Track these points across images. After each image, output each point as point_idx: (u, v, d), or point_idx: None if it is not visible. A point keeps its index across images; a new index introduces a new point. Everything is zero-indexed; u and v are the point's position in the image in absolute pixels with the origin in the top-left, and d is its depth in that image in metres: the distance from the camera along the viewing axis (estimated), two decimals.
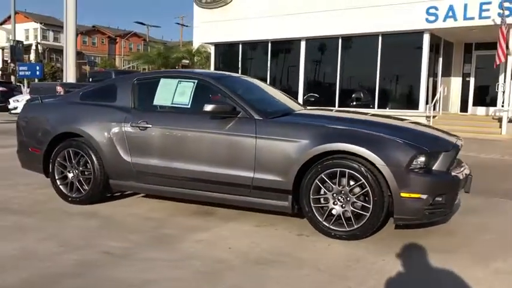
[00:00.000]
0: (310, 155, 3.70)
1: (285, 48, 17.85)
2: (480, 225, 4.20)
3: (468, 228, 4.11)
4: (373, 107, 15.45)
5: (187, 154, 4.18)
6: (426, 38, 14.43)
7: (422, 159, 3.55)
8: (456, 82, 16.97)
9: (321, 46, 16.65)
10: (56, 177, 4.77)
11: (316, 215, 3.75)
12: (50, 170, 4.80)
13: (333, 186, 3.68)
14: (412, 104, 15.00)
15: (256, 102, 4.27)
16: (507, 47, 12.90)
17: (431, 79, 15.45)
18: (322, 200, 3.76)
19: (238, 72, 18.55)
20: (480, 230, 4.06)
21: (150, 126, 4.31)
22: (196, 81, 4.40)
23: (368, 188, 3.55)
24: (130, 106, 4.53)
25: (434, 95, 15.59)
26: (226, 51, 19.42)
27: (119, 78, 5.08)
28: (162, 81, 4.53)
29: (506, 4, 12.43)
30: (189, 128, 4.20)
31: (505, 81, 14.06)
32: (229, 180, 4.02)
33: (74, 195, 4.69)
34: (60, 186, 4.76)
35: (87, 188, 4.63)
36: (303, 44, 16.88)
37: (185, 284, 2.89)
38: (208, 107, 4.00)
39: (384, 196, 3.54)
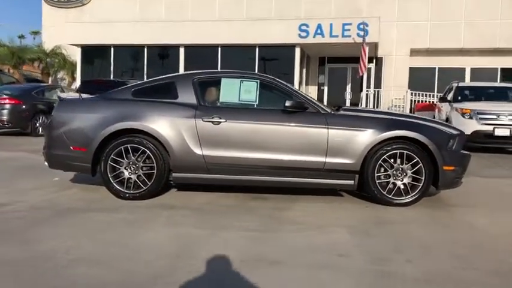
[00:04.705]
0: (378, 140, 4.64)
1: (163, 53, 18.04)
2: None
3: None
4: None
5: (263, 145, 4.69)
6: (297, 51, 16.43)
7: (451, 140, 4.82)
8: (313, 90, 19.55)
9: (201, 53, 17.31)
10: (109, 175, 4.71)
11: (380, 189, 4.72)
12: (102, 169, 4.71)
13: (393, 164, 4.71)
14: None
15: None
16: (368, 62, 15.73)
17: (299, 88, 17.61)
18: (383, 177, 4.74)
19: (110, 76, 18.00)
20: None
21: (224, 120, 4.69)
22: (258, 80, 4.93)
23: (421, 164, 4.67)
24: (196, 103, 4.80)
25: None
26: (96, 54, 18.56)
27: (174, 76, 5.18)
28: (224, 80, 4.93)
29: (365, 26, 15.13)
30: (263, 121, 4.72)
31: (362, 90, 16.92)
32: (304, 166, 4.71)
33: (132, 192, 4.71)
34: (115, 184, 4.72)
35: (148, 183, 4.72)
36: (181, 50, 17.34)
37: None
38: (289, 103, 4.64)
39: (431, 170, 4.71)
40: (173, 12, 19.48)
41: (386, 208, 4.66)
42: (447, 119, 11.19)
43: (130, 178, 4.73)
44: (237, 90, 4.86)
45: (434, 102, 16.36)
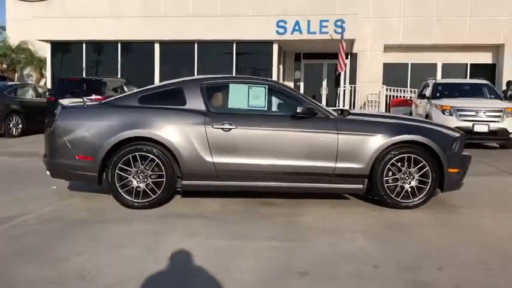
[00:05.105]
0: (387, 144, 4.71)
1: (137, 49, 17.62)
2: None
3: None
4: None
5: (274, 151, 4.67)
6: (275, 48, 16.44)
7: (455, 143, 4.95)
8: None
9: (177, 50, 17.02)
10: (117, 184, 4.59)
11: (388, 192, 4.79)
12: (110, 178, 4.58)
13: (401, 168, 4.79)
14: None
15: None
16: (346, 58, 15.91)
17: None
18: (391, 180, 4.82)
19: (82, 73, 17.49)
20: None
21: (235, 127, 4.64)
22: (266, 86, 4.90)
23: (428, 167, 4.77)
24: (205, 109, 4.72)
25: None
26: (66, 50, 17.95)
27: (181, 82, 5.05)
28: (232, 86, 4.88)
29: (342, 23, 15.28)
30: (273, 127, 4.70)
31: (339, 85, 17.11)
32: (314, 171, 4.72)
33: (140, 200, 4.62)
34: (123, 193, 4.60)
35: (157, 191, 4.63)
36: (157, 46, 17.03)
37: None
38: (300, 109, 4.64)
39: (437, 173, 4.81)
40: (147, 7, 19.05)
41: (395, 211, 4.74)
42: (427, 116, 11.47)
43: (139, 187, 4.62)
44: (246, 96, 4.83)
45: (410, 98, 16.72)
